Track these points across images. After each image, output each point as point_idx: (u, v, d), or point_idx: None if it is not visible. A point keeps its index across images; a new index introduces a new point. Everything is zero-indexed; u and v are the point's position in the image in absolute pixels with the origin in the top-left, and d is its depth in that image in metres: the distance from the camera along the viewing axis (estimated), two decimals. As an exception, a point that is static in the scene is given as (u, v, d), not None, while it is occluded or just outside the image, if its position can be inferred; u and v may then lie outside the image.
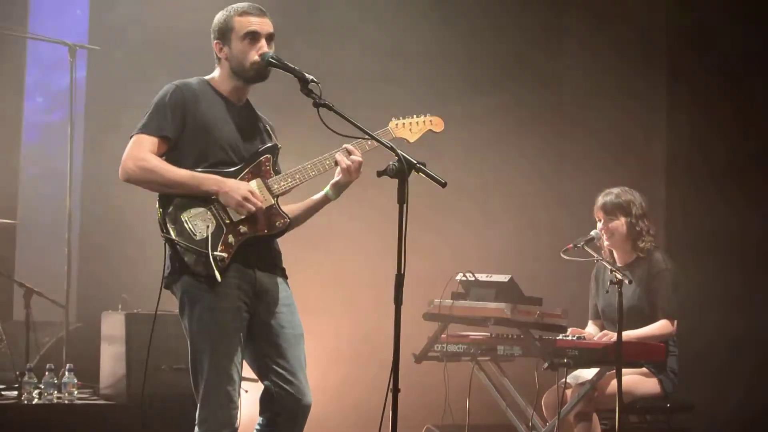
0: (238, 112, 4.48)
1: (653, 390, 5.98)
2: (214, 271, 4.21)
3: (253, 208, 4.28)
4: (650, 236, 6.13)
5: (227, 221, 4.30)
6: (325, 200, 4.52)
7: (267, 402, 4.39)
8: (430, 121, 4.67)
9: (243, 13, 4.41)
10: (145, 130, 4.33)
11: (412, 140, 4.62)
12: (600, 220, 6.15)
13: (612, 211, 6.12)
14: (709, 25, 7.80)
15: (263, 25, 4.41)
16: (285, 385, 4.35)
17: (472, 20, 8.37)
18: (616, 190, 6.18)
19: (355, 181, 4.45)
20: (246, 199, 4.27)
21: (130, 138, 4.34)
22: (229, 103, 4.46)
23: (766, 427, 7.20)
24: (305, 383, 4.39)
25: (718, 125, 7.75)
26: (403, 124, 4.62)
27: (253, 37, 4.38)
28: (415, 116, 4.65)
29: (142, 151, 4.29)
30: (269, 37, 4.43)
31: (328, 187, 4.49)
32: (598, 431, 5.91)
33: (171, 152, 4.36)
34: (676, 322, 6.01)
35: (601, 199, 6.18)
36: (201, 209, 4.29)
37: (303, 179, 4.42)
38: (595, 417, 5.90)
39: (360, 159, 4.40)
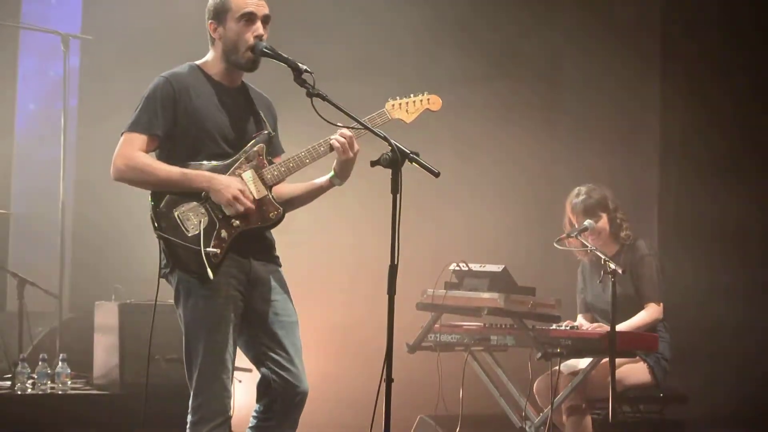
0: (232, 97, 4.44)
1: (644, 379, 5.99)
2: (206, 269, 4.21)
3: (242, 209, 4.26)
4: (627, 223, 6.17)
5: (220, 216, 4.29)
6: (329, 186, 4.49)
7: (264, 389, 4.38)
8: (428, 99, 4.61)
9: None
10: (134, 128, 4.31)
11: (408, 121, 4.56)
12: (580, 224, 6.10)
13: (593, 211, 6.11)
14: (705, 13, 7.79)
15: (260, 6, 4.37)
16: (282, 372, 4.35)
17: (465, 8, 8.35)
18: (584, 189, 6.18)
19: (355, 162, 4.40)
20: (235, 198, 4.25)
21: (121, 135, 4.33)
22: (221, 88, 4.42)
23: (760, 418, 7.21)
24: (302, 370, 4.40)
25: (712, 114, 7.74)
26: (399, 104, 4.57)
27: (249, 18, 4.34)
28: (411, 95, 4.59)
29: (132, 150, 4.28)
30: (265, 19, 4.38)
31: (332, 174, 4.45)
32: (588, 423, 5.93)
33: (163, 147, 4.35)
34: (662, 304, 6.03)
35: (577, 202, 6.13)
36: (193, 203, 4.28)
37: (297, 167, 4.39)
38: (586, 408, 5.91)
39: (351, 134, 4.35)
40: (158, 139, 4.32)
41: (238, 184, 4.28)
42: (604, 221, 6.13)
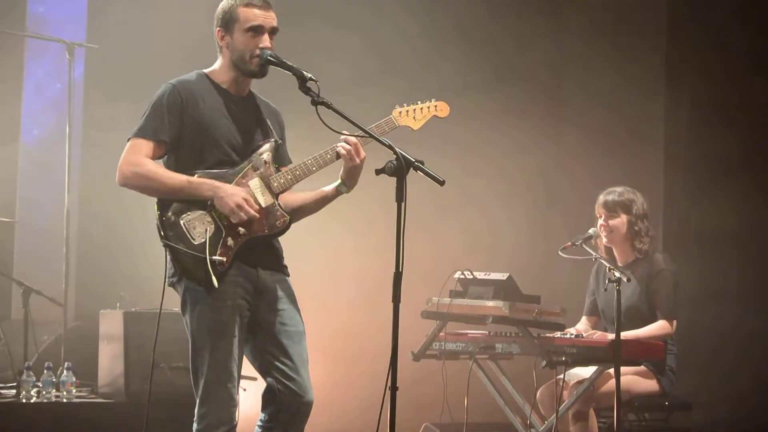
0: (239, 106, 4.44)
1: (651, 388, 5.98)
2: (211, 276, 4.21)
3: (245, 217, 4.26)
4: (648, 237, 6.13)
5: (226, 223, 4.28)
6: (336, 194, 4.48)
7: (269, 399, 4.38)
8: (435, 106, 4.59)
9: (249, 4, 4.35)
10: (141, 134, 4.30)
11: (416, 128, 4.54)
12: (600, 217, 6.14)
13: (613, 208, 6.11)
14: (710, 20, 7.80)
15: (268, 19, 4.37)
16: (287, 382, 4.34)
17: (469, 14, 8.36)
18: (619, 189, 6.17)
19: (363, 169, 4.39)
20: (239, 206, 4.23)
21: (127, 141, 4.33)
22: (229, 97, 4.42)
23: (764, 424, 7.20)
24: (307, 380, 4.39)
25: (717, 121, 7.75)
26: (407, 111, 4.55)
27: (256, 30, 4.33)
28: (419, 102, 4.57)
29: (138, 156, 4.27)
30: (272, 32, 4.38)
31: (339, 182, 4.44)
32: (595, 430, 5.92)
33: (170, 154, 4.35)
34: (675, 322, 6.01)
35: (603, 197, 6.17)
36: (199, 212, 4.27)
37: (304, 175, 4.39)
38: (592, 415, 5.90)
39: (356, 140, 4.34)
40: (165, 146, 4.32)
41: (242, 193, 4.28)
42: (621, 221, 6.10)
